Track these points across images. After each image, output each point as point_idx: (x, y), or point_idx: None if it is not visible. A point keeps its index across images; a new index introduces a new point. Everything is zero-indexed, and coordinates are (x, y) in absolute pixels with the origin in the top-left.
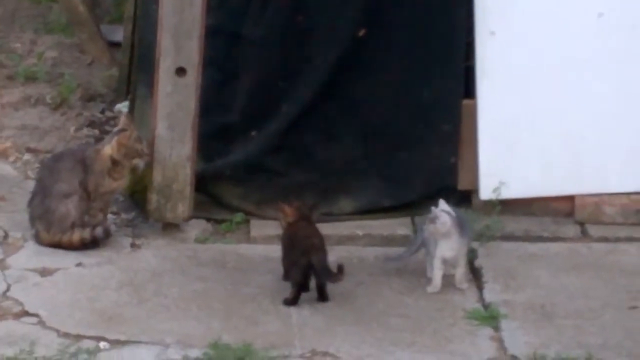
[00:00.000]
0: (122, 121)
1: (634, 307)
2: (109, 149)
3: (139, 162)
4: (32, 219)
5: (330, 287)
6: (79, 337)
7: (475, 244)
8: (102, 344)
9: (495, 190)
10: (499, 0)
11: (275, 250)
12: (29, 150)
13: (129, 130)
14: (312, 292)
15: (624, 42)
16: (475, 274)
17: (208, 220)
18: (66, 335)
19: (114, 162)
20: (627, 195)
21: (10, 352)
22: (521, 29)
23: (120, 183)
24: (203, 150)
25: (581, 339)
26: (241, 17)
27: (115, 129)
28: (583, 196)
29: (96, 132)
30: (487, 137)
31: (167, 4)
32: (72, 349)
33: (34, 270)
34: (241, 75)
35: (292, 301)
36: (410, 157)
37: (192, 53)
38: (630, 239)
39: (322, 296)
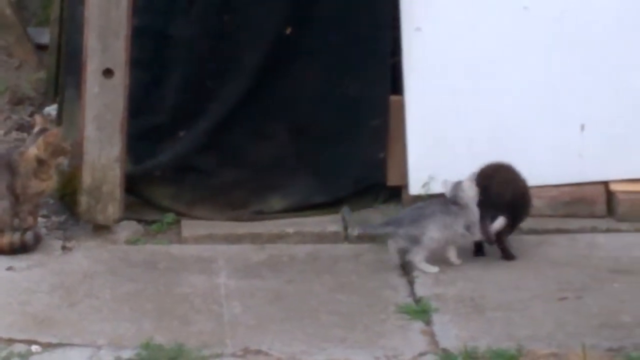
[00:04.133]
0: (39, 121)
1: (564, 299)
2: (34, 149)
3: (64, 160)
4: None
5: (260, 285)
6: (10, 341)
7: None
8: (34, 347)
9: (425, 185)
10: None
11: (207, 250)
12: None
13: (54, 129)
14: (241, 290)
15: (549, 35)
16: (405, 268)
17: (139, 221)
18: None
19: (40, 162)
20: (556, 187)
21: None
22: (447, 25)
23: (48, 184)
24: (132, 151)
25: (511, 330)
26: (168, 17)
27: (36, 130)
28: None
29: (25, 135)
30: (415, 132)
31: (92, 5)
32: (4, 353)
33: None
34: (169, 75)
35: None
36: (340, 154)
37: (119, 54)
38: (559, 231)
39: None
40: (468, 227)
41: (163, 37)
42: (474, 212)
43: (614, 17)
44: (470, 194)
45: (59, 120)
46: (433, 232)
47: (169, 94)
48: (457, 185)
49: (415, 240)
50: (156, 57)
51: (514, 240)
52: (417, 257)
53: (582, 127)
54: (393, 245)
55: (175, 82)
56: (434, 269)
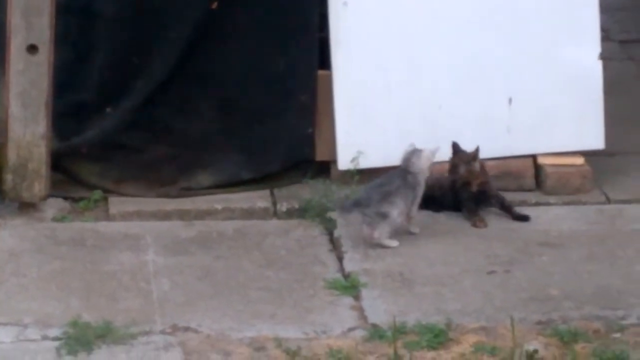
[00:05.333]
0: None
1: (493, 272)
2: None
3: None
4: None
5: (189, 262)
6: None
7: (334, 214)
8: None
9: (353, 160)
10: None
11: (135, 227)
12: None
13: None
14: (170, 266)
15: (476, 8)
16: (334, 243)
17: (66, 198)
18: None
19: None
20: (484, 162)
21: None
22: None
23: None
24: (58, 128)
25: (440, 305)
26: None
27: None
28: (439, 163)
29: None
30: (343, 107)
31: None
32: None
33: None
34: (95, 51)
35: None
36: (268, 129)
37: (43, 30)
38: None
39: None
40: (412, 200)
41: (88, 13)
42: (421, 185)
43: None
44: (424, 165)
45: None
46: (400, 207)
47: (95, 71)
48: (415, 152)
49: (384, 217)
50: (81, 34)
51: (443, 214)
52: (383, 233)
53: (510, 101)
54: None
55: (101, 58)
56: (395, 243)
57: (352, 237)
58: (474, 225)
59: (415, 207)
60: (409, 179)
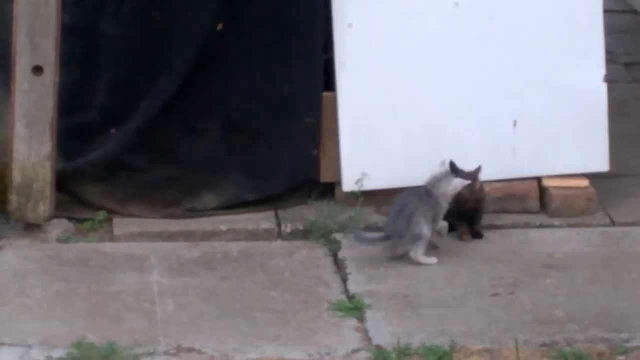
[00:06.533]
0: None
1: (497, 294)
2: None
3: None
4: None
5: (193, 283)
6: None
7: (338, 236)
8: None
9: (358, 181)
10: None
11: (139, 248)
12: None
13: None
14: (174, 287)
15: (480, 31)
16: (339, 265)
17: (70, 219)
18: None
19: None
20: (489, 184)
21: None
22: (379, 21)
23: None
24: (63, 149)
25: (445, 327)
26: (98, 13)
27: None
28: None
29: None
30: (348, 129)
31: (22, 2)
32: None
33: None
34: (100, 72)
35: None
36: (273, 151)
37: (48, 51)
38: (492, 227)
39: None
40: (434, 217)
41: (94, 33)
42: (441, 205)
43: (546, 14)
44: (450, 192)
45: None
46: (426, 223)
47: (99, 92)
48: (447, 177)
49: (417, 238)
50: (87, 54)
51: (447, 236)
52: (419, 252)
53: (515, 123)
54: (391, 254)
55: (106, 79)
56: (434, 260)
57: (356, 259)
58: (460, 238)
59: (437, 224)
60: (424, 198)
